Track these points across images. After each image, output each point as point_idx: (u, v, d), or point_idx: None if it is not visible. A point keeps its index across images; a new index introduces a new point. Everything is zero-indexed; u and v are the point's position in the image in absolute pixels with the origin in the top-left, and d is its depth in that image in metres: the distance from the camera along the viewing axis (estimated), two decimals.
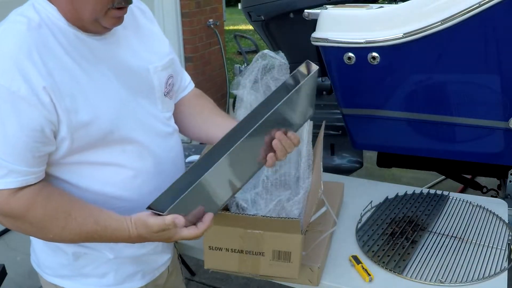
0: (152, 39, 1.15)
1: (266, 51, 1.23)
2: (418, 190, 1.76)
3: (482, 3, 1.61)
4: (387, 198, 1.71)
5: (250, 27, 3.73)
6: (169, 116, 1.18)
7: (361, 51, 1.83)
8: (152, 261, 1.18)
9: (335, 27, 1.89)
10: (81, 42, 0.98)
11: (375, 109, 1.98)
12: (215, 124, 1.22)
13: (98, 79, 0.98)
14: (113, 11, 0.96)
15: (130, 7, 1.12)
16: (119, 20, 1.00)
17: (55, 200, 0.96)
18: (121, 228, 0.97)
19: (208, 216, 0.98)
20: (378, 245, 1.42)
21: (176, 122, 1.23)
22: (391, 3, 2.62)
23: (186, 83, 1.31)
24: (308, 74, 1.03)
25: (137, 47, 1.10)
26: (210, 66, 4.60)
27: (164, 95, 1.14)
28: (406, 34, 1.74)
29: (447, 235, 1.48)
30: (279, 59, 1.22)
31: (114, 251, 1.09)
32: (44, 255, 1.14)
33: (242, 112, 1.25)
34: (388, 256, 1.36)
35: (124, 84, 1.03)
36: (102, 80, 0.99)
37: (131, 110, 1.04)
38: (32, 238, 1.14)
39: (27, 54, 0.89)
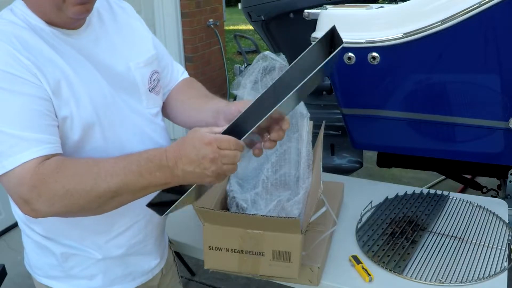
0: (133, 36, 1.14)
1: (267, 52, 1.23)
2: (418, 190, 1.76)
3: (482, 3, 1.61)
4: (387, 198, 1.71)
5: (250, 27, 3.74)
6: (155, 112, 1.16)
7: (361, 51, 1.83)
8: (141, 263, 1.17)
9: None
10: (61, 40, 0.98)
11: (375, 109, 1.98)
12: (207, 108, 1.17)
13: (81, 72, 0.98)
14: None
15: (110, 5, 1.13)
16: (83, 8, 0.96)
17: (82, 159, 0.94)
18: (157, 152, 0.90)
19: None
20: (378, 245, 1.42)
21: (170, 113, 1.23)
22: (391, 3, 2.62)
23: (179, 74, 1.30)
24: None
25: (117, 44, 1.09)
26: (210, 66, 4.61)
27: (149, 91, 1.13)
28: (406, 34, 1.74)
29: (447, 235, 1.48)
30: (280, 61, 1.21)
31: (102, 251, 1.09)
32: (35, 256, 1.13)
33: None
34: (388, 256, 1.36)
35: (107, 80, 1.03)
36: (85, 73, 0.99)
37: (114, 106, 1.03)
38: (24, 239, 1.14)
39: (9, 42, 0.90)
